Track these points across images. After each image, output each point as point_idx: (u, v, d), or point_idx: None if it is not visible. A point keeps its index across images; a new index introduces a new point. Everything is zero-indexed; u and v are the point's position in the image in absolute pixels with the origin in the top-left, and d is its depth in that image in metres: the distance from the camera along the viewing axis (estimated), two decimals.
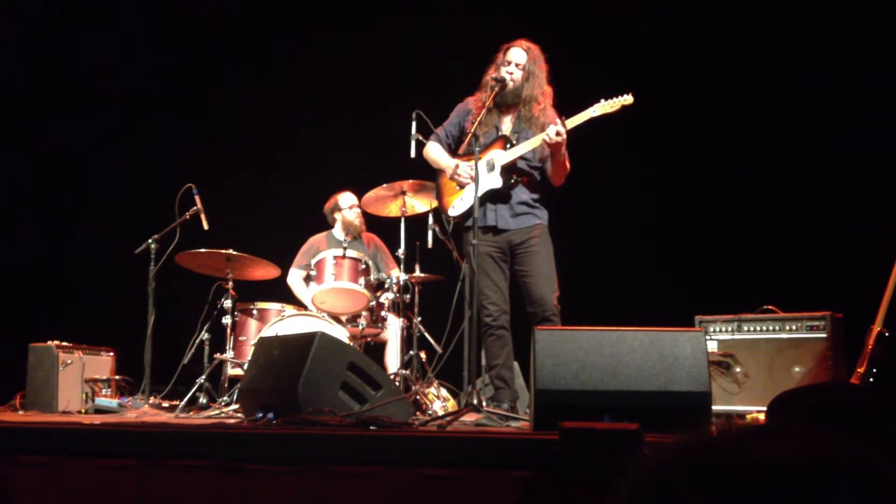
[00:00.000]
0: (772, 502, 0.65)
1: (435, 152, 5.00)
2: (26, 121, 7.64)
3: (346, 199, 6.48)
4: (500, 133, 4.83)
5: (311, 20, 7.52)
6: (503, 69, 4.77)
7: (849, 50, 6.08)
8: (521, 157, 4.76)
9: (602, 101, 4.63)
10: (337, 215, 6.50)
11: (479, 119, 4.64)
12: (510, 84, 4.76)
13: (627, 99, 4.58)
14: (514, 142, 4.76)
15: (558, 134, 4.51)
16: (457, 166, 4.83)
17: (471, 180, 4.68)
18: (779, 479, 0.66)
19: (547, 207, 4.88)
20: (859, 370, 4.38)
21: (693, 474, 0.68)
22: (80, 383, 5.71)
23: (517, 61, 4.78)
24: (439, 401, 5.30)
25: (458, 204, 4.87)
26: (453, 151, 4.97)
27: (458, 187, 4.89)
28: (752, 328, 5.04)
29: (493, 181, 4.75)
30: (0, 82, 7.46)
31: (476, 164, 4.53)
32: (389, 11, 7.27)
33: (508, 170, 4.76)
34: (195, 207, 5.88)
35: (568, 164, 4.75)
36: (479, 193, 4.63)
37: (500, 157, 4.76)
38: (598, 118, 4.63)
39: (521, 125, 4.80)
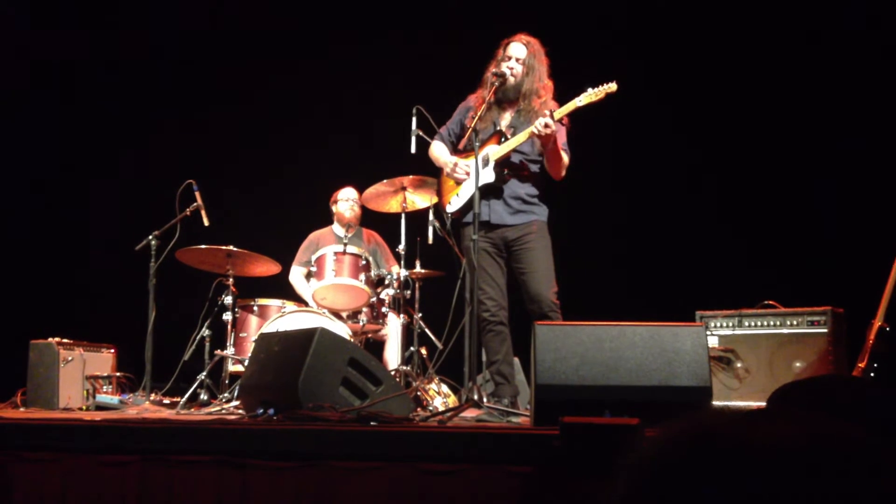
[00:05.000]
0: (772, 484, 0.64)
1: (437, 151, 5.00)
2: (27, 115, 7.64)
3: (343, 192, 6.53)
4: (497, 128, 4.82)
5: (311, 17, 7.51)
6: (504, 65, 4.76)
7: (849, 48, 6.08)
8: (519, 151, 4.74)
9: (588, 89, 4.61)
10: (334, 208, 6.55)
11: (478, 115, 4.64)
12: (511, 79, 4.75)
13: (611, 87, 4.54)
14: (509, 136, 4.75)
15: (546, 126, 4.48)
16: (455, 164, 4.83)
17: (466, 176, 4.72)
18: (779, 460, 0.65)
19: (548, 203, 4.87)
20: (860, 365, 4.38)
21: (693, 457, 0.68)
22: (80, 380, 5.72)
23: (517, 56, 4.77)
24: (440, 397, 5.30)
25: (455, 200, 4.86)
26: (456, 148, 4.97)
27: (455, 184, 4.89)
28: (752, 323, 5.04)
29: (487, 176, 4.74)
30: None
31: (477, 160, 4.52)
32: (390, 8, 7.27)
33: (501, 164, 4.75)
34: (195, 204, 5.88)
35: (565, 158, 4.71)
36: (473, 190, 4.67)
37: (494, 151, 4.76)
38: (585, 107, 4.60)
39: (520, 119, 4.78)
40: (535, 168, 4.81)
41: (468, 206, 4.69)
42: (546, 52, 4.84)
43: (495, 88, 4.68)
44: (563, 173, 4.77)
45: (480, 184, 4.70)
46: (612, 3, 6.75)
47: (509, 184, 4.75)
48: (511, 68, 4.75)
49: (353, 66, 7.37)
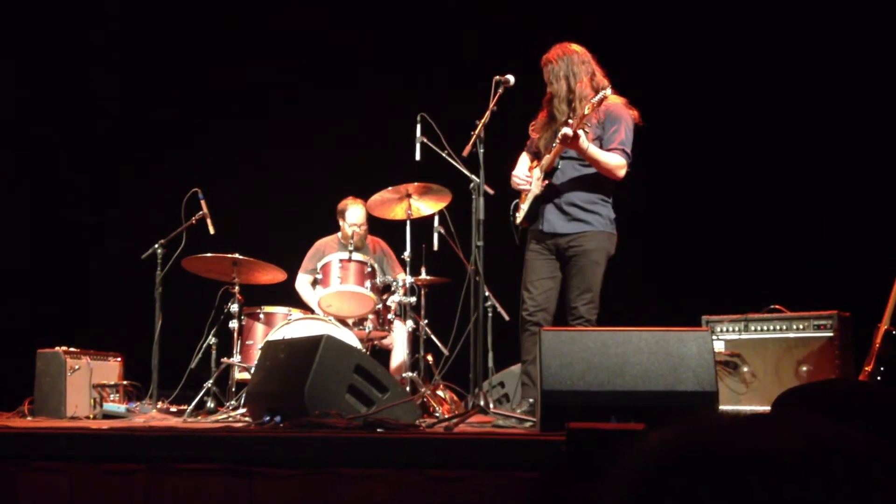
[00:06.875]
0: (769, 488, 0.64)
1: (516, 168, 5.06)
2: (31, 126, 7.67)
3: (353, 214, 6.35)
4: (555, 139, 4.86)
5: (314, 22, 7.53)
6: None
7: (848, 48, 6.08)
8: (571, 157, 4.74)
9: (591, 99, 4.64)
10: (341, 222, 6.46)
11: (485, 118, 4.66)
12: (556, 99, 4.76)
13: (606, 93, 4.56)
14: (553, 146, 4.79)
15: (564, 136, 4.50)
16: (514, 177, 4.91)
17: (527, 185, 4.83)
18: (776, 464, 0.65)
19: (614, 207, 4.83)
20: (867, 368, 4.37)
21: (689, 461, 0.68)
22: (87, 389, 5.72)
23: (547, 81, 4.80)
24: (446, 403, 5.30)
25: (521, 211, 4.92)
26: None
27: (525, 196, 4.93)
28: (759, 328, 5.03)
29: (537, 187, 4.79)
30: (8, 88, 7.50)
31: (482, 173, 4.55)
32: (395, 12, 7.28)
33: (548, 173, 4.78)
34: (201, 212, 5.89)
35: (608, 160, 4.61)
36: (530, 200, 4.78)
37: (543, 162, 4.81)
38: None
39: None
40: (586, 172, 4.76)
41: (530, 214, 4.78)
42: (570, 47, 4.81)
43: (499, 95, 4.70)
44: (620, 174, 4.66)
45: (533, 195, 4.78)
46: (611, 3, 6.74)
47: (564, 192, 4.75)
48: (550, 93, 4.79)
49: (357, 72, 7.38)
